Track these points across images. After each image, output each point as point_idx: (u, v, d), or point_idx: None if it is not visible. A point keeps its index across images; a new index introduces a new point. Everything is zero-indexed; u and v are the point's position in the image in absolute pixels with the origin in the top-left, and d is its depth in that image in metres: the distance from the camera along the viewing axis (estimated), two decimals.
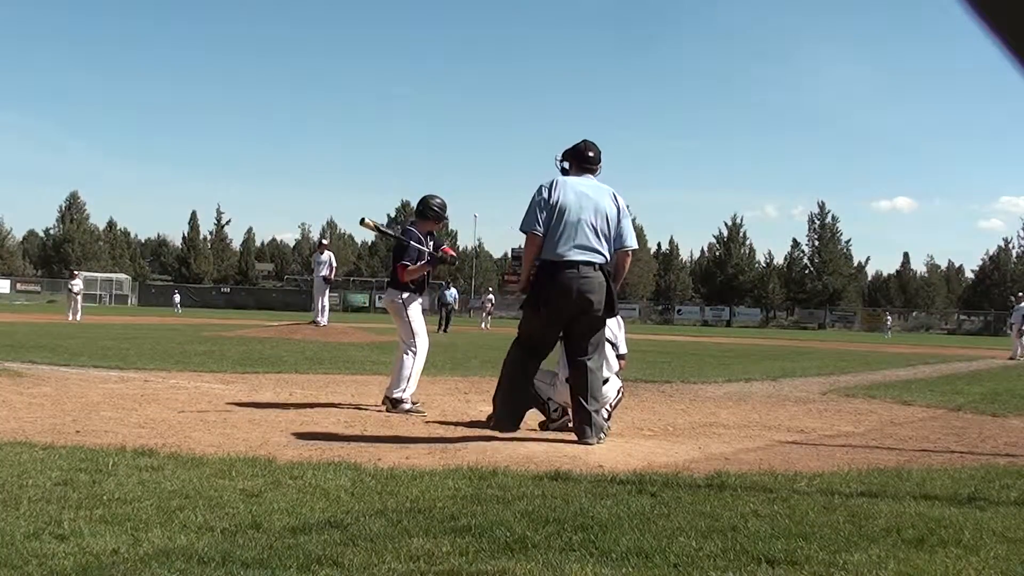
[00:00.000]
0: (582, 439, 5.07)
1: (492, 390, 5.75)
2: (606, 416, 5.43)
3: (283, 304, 57.19)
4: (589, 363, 5.22)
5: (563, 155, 5.45)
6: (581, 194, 5.18)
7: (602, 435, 5.16)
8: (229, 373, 9.31)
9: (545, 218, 5.12)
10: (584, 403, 5.12)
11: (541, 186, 5.26)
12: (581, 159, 5.37)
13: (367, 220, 6.69)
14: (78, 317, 26.16)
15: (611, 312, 5.21)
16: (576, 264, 5.07)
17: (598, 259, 5.12)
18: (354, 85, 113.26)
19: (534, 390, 5.66)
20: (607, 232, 5.16)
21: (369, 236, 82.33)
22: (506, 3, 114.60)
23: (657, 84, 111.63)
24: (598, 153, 5.43)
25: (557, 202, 5.12)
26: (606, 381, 5.51)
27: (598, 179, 5.44)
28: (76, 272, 32.78)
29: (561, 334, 5.39)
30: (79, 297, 27.42)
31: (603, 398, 5.33)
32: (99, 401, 6.47)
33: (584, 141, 5.44)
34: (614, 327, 5.94)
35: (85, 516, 2.97)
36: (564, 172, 5.42)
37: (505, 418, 5.28)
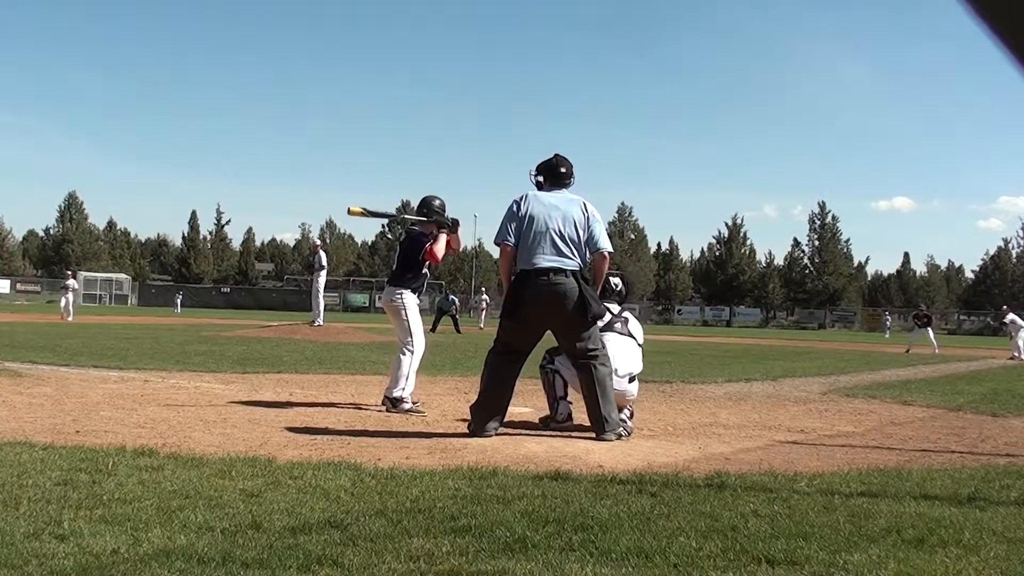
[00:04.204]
0: (599, 437, 5.21)
1: None
2: (628, 415, 5.55)
3: (283, 304, 57.14)
4: (594, 363, 5.30)
5: (537, 169, 5.63)
6: (550, 205, 5.38)
7: (623, 432, 5.30)
8: (229, 373, 9.31)
9: (515, 229, 5.35)
10: (596, 402, 5.24)
11: (512, 200, 5.49)
12: (554, 174, 5.57)
13: (352, 207, 6.70)
14: (70, 317, 26.28)
15: (586, 315, 5.26)
16: (547, 271, 5.23)
17: (569, 265, 5.27)
18: (354, 85, 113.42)
19: (552, 383, 5.76)
20: (577, 239, 5.32)
21: (370, 236, 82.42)
22: (506, 4, 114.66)
23: (657, 84, 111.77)
24: (570, 168, 5.62)
25: (526, 214, 5.34)
26: (633, 379, 5.64)
27: (571, 191, 5.61)
28: (69, 272, 32.80)
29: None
30: (70, 295, 27.55)
31: (615, 395, 5.40)
32: (99, 401, 6.47)
33: (556, 156, 5.62)
34: (637, 329, 6.08)
35: (85, 516, 2.97)
36: (539, 185, 5.59)
37: (478, 422, 5.32)
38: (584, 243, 5.36)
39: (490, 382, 5.40)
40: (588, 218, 5.38)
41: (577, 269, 5.29)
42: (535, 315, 5.31)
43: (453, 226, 6.72)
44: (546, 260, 5.24)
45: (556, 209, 5.35)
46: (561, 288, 5.22)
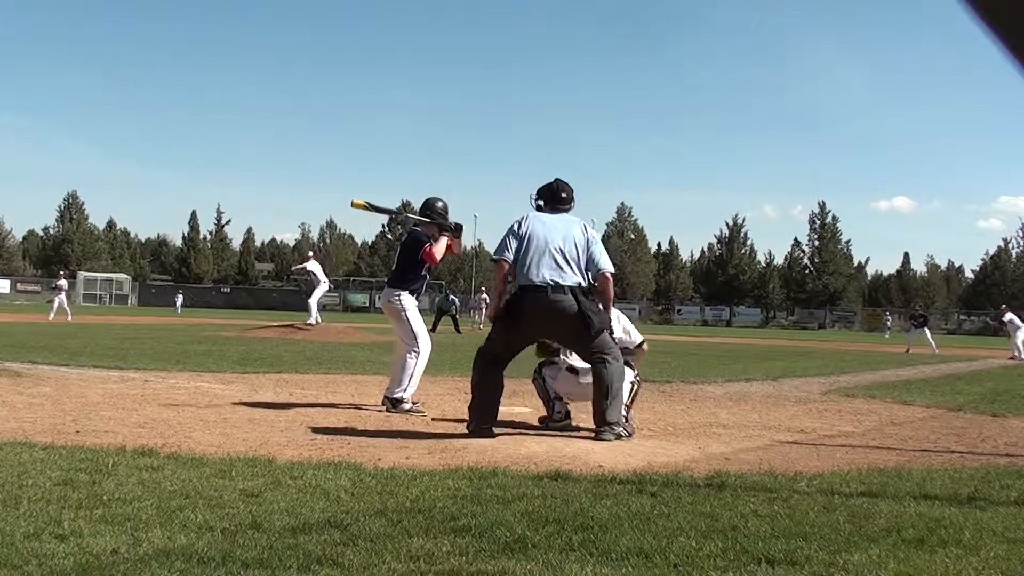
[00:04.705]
0: (599, 436, 5.26)
1: None
2: (624, 416, 5.58)
3: (283, 304, 57.11)
4: (602, 366, 5.35)
5: (537, 193, 5.74)
6: (550, 225, 5.48)
7: (623, 432, 5.35)
8: (229, 373, 9.31)
9: (515, 246, 5.44)
10: (601, 400, 5.31)
11: (514, 220, 5.60)
12: (554, 199, 5.67)
13: (355, 200, 6.78)
14: (69, 317, 26.32)
15: (589, 330, 5.31)
16: (545, 288, 5.29)
17: (567, 281, 5.33)
18: (354, 86, 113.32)
19: (544, 387, 5.89)
20: (576, 257, 5.40)
21: (370, 236, 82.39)
22: (505, 5, 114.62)
23: (657, 85, 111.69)
24: (571, 192, 5.74)
25: (527, 232, 5.45)
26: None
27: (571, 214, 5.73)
28: (61, 273, 32.74)
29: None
30: (63, 296, 27.61)
31: (619, 398, 5.45)
32: (99, 401, 6.47)
33: (557, 181, 5.72)
34: (619, 324, 6.06)
35: (85, 516, 2.97)
36: (539, 209, 5.70)
37: (476, 422, 5.39)
38: (584, 262, 5.43)
39: (481, 384, 5.48)
40: (588, 239, 5.48)
41: (575, 285, 5.34)
42: (533, 328, 5.44)
43: (456, 230, 6.73)
44: (545, 276, 5.31)
45: (556, 229, 5.45)
46: (560, 304, 5.29)
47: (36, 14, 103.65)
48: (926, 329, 24.73)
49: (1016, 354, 21.11)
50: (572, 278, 5.32)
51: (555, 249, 5.34)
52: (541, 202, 5.69)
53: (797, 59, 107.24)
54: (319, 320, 19.02)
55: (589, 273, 5.44)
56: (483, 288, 43.99)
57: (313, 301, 18.99)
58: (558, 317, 5.29)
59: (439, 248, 6.61)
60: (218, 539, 2.76)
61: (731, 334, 40.55)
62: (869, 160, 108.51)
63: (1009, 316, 22.60)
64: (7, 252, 73.42)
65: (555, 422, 5.79)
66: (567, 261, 5.34)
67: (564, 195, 5.67)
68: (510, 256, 5.42)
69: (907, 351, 22.94)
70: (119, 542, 2.68)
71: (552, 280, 5.28)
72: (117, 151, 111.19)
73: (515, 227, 5.52)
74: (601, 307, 5.43)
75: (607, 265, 5.51)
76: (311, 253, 22.59)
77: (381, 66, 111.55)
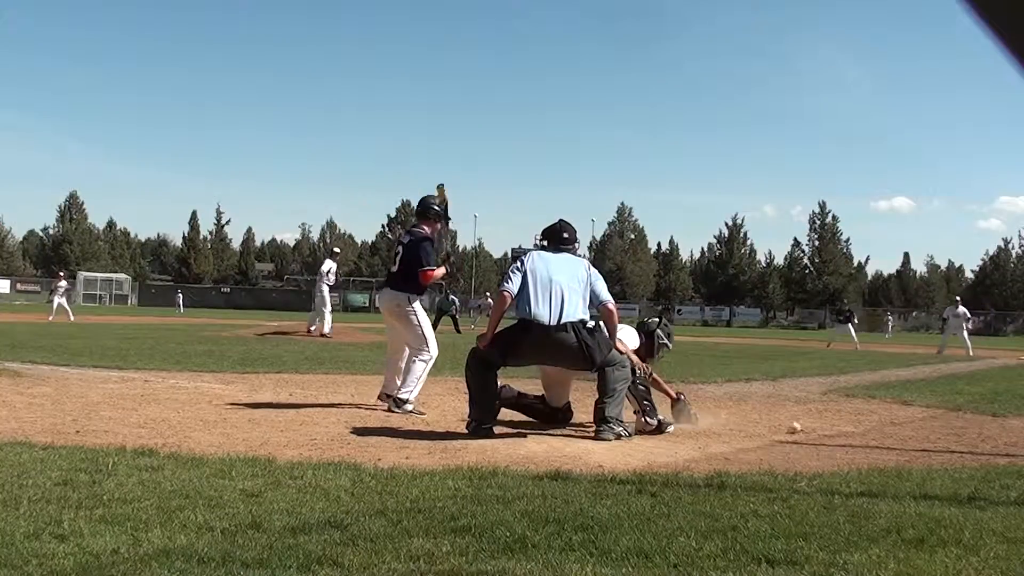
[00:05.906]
0: (598, 436, 5.35)
1: None
2: (621, 418, 5.61)
3: (283, 304, 57.12)
4: (611, 368, 5.44)
5: (542, 234, 5.95)
6: (553, 264, 5.63)
7: (622, 432, 5.41)
8: (229, 373, 9.31)
9: (519, 280, 5.58)
10: (603, 401, 5.42)
11: (519, 258, 5.77)
12: (557, 239, 5.85)
13: (441, 187, 7.01)
14: (71, 317, 26.30)
15: (590, 365, 5.43)
16: (547, 324, 5.39)
17: (569, 318, 5.42)
18: (354, 85, 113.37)
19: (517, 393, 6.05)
20: (578, 293, 5.52)
21: (370, 236, 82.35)
22: (505, 4, 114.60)
23: (657, 84, 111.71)
24: (573, 233, 5.93)
25: (531, 269, 5.59)
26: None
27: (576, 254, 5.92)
28: (62, 274, 32.63)
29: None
30: (64, 299, 27.57)
31: (620, 400, 5.51)
32: (99, 401, 6.47)
33: (560, 222, 5.92)
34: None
35: (85, 516, 2.97)
36: (543, 248, 5.86)
37: (476, 423, 5.42)
38: (587, 298, 5.54)
39: (477, 384, 5.53)
40: (589, 276, 5.61)
41: (576, 321, 5.41)
42: (533, 357, 5.58)
43: (446, 263, 6.98)
44: (547, 313, 5.39)
45: (559, 267, 5.58)
46: (562, 341, 5.38)
47: (37, 13, 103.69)
48: (850, 325, 25.38)
49: (941, 349, 21.38)
50: (574, 315, 5.42)
51: (558, 285, 5.45)
52: (545, 243, 5.86)
53: (797, 59, 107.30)
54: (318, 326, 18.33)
55: (593, 308, 5.59)
56: (487, 294, 43.93)
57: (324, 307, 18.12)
58: (559, 351, 5.43)
59: (435, 276, 6.67)
60: (218, 539, 2.76)
61: (731, 334, 40.50)
62: (869, 160, 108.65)
63: (961, 309, 22.77)
64: (7, 252, 73.40)
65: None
66: (569, 298, 5.45)
67: (566, 235, 5.87)
68: (513, 289, 5.54)
69: (828, 345, 24.21)
70: (119, 542, 2.68)
71: (555, 316, 5.37)
72: (117, 151, 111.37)
73: (519, 264, 5.68)
74: (607, 335, 5.55)
75: (608, 297, 5.67)
76: (338, 251, 22.58)
77: (381, 65, 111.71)
